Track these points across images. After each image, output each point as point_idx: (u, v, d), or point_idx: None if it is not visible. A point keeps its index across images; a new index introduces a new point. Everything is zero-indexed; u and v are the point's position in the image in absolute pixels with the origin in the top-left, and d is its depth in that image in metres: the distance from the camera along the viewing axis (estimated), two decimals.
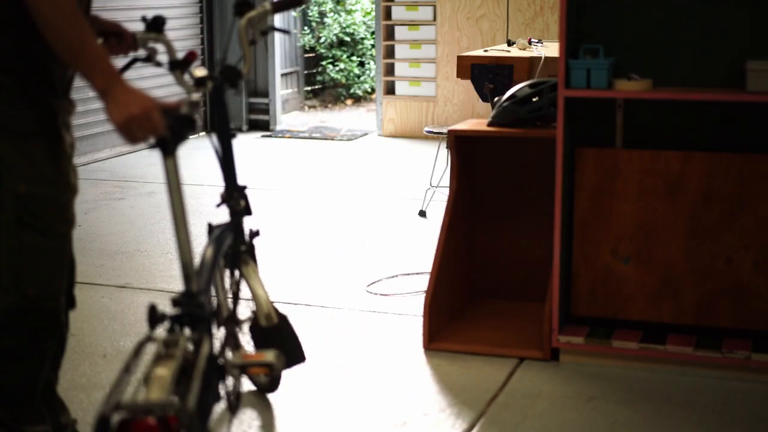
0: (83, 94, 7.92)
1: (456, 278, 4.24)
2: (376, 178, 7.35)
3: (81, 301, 4.52)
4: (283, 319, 3.19)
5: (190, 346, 2.41)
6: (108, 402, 2.11)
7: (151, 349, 2.32)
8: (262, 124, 9.75)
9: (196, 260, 2.61)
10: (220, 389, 2.75)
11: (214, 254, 2.84)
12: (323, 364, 3.81)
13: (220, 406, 2.94)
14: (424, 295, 4.02)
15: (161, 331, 2.39)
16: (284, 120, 10.32)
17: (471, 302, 4.41)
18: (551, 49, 5.48)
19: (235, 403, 2.87)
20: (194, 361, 2.36)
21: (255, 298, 3.11)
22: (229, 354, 2.91)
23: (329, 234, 5.73)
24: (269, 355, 2.80)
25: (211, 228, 3.04)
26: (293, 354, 3.20)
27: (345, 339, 4.08)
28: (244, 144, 8.97)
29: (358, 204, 6.48)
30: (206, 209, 6.27)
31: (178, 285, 4.75)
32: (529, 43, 5.76)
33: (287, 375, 3.70)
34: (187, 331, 2.44)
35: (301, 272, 4.97)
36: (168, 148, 2.42)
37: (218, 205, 3.14)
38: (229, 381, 2.83)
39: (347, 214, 6.21)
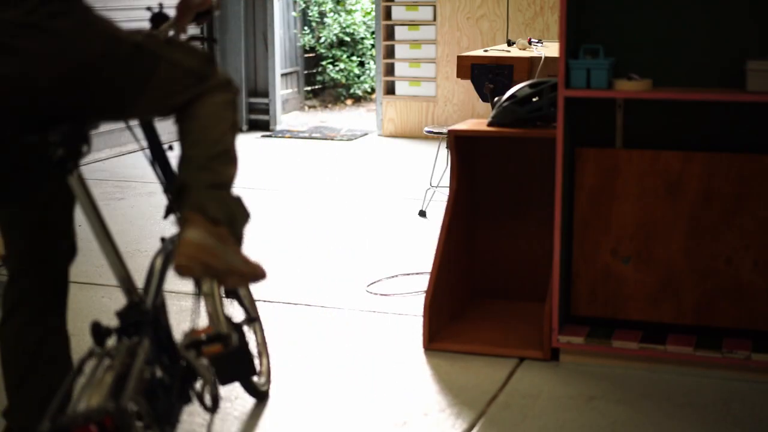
0: None
1: (456, 278, 4.24)
2: (376, 178, 7.35)
3: (81, 301, 4.54)
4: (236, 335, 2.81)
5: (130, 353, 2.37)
6: (47, 419, 2.14)
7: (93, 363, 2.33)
8: (262, 124, 9.75)
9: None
10: (188, 391, 2.66)
11: (162, 264, 2.80)
12: (323, 364, 3.81)
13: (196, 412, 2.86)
14: (424, 295, 4.02)
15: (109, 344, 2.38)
16: (284, 120, 10.32)
17: (471, 302, 4.41)
18: (551, 49, 5.48)
19: (212, 402, 2.66)
20: (131, 363, 2.34)
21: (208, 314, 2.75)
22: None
23: (329, 234, 5.73)
24: (220, 326, 2.62)
25: (163, 240, 2.91)
26: (245, 366, 2.94)
27: (345, 339, 4.09)
28: (244, 144, 8.97)
29: (358, 204, 6.48)
30: None
31: (178, 285, 4.75)
32: (529, 43, 5.76)
33: (287, 375, 3.71)
34: (126, 340, 2.42)
35: (301, 272, 4.97)
36: None
37: (165, 217, 2.81)
38: (198, 381, 2.70)
39: (347, 214, 6.21)
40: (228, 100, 2.68)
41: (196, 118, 2.64)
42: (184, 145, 2.65)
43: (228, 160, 2.62)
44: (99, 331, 2.37)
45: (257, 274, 2.56)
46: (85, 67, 2.33)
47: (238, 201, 2.62)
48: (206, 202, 2.49)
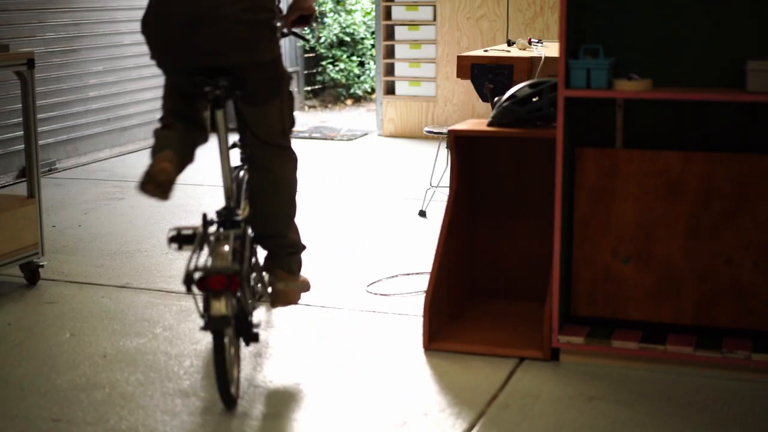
0: (83, 95, 7.94)
1: (456, 278, 4.24)
2: (376, 178, 7.35)
3: (81, 301, 4.54)
4: None
5: (234, 239, 3.40)
6: (189, 266, 3.22)
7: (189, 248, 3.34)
8: None
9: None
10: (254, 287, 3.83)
11: (240, 182, 3.91)
12: (323, 364, 3.81)
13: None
14: (424, 295, 4.02)
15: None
16: None
17: (471, 302, 4.41)
18: (551, 49, 5.48)
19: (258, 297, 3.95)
20: (242, 244, 3.47)
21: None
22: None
23: (329, 234, 5.73)
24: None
25: (239, 167, 4.00)
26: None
27: (345, 339, 4.09)
28: None
29: (358, 204, 6.48)
30: (206, 209, 6.25)
31: (178, 285, 4.76)
32: (529, 43, 5.75)
33: (287, 375, 3.71)
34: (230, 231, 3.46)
35: (301, 272, 4.96)
36: None
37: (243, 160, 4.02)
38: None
39: (347, 214, 6.21)
40: (296, 167, 3.90)
41: (275, 174, 3.83)
42: (266, 195, 3.84)
43: (295, 227, 3.97)
44: (206, 221, 3.46)
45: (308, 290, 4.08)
46: (258, 63, 3.61)
47: (300, 254, 4.00)
48: (289, 263, 3.93)
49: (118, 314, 4.36)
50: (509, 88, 4.24)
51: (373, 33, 11.85)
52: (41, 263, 4.78)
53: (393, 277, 4.90)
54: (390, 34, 9.21)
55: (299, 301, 4.02)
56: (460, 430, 3.29)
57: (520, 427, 3.31)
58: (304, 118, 10.90)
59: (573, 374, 3.71)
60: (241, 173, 3.95)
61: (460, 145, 4.14)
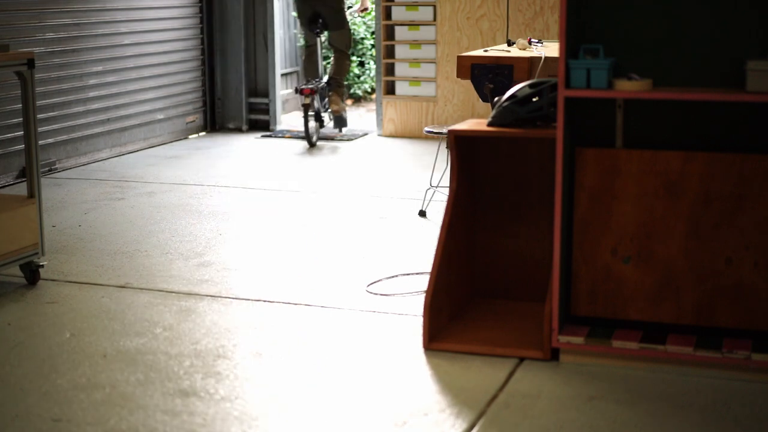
0: (83, 95, 7.94)
1: (456, 278, 4.24)
2: (376, 178, 7.35)
3: (81, 301, 4.54)
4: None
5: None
6: (299, 84, 8.18)
7: None
8: (262, 124, 9.75)
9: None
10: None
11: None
12: (323, 364, 3.81)
13: None
14: (424, 295, 4.02)
15: None
16: (284, 120, 10.32)
17: (471, 302, 4.41)
18: (551, 49, 5.48)
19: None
20: (320, 86, 8.78)
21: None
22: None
23: (329, 234, 5.73)
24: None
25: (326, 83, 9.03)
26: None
27: (345, 339, 4.09)
28: (244, 144, 8.97)
29: (358, 204, 6.49)
30: (206, 209, 6.27)
31: (178, 285, 4.76)
32: (529, 43, 5.75)
33: (287, 374, 3.71)
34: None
35: (301, 272, 4.97)
36: None
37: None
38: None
39: (347, 214, 6.21)
40: (349, 63, 9.09)
41: (339, 61, 8.96)
42: (334, 66, 8.98)
43: (341, 80, 9.00)
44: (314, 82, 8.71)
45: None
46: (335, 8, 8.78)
47: (342, 89, 9.03)
48: (338, 90, 8.92)
49: (118, 314, 4.36)
50: (509, 88, 4.24)
51: (373, 33, 11.85)
52: (41, 263, 4.78)
53: (393, 277, 4.90)
54: (390, 34, 9.21)
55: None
56: (460, 430, 3.29)
57: (520, 427, 3.31)
58: None
59: (573, 374, 3.71)
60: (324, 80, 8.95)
61: (460, 145, 4.14)
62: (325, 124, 8.92)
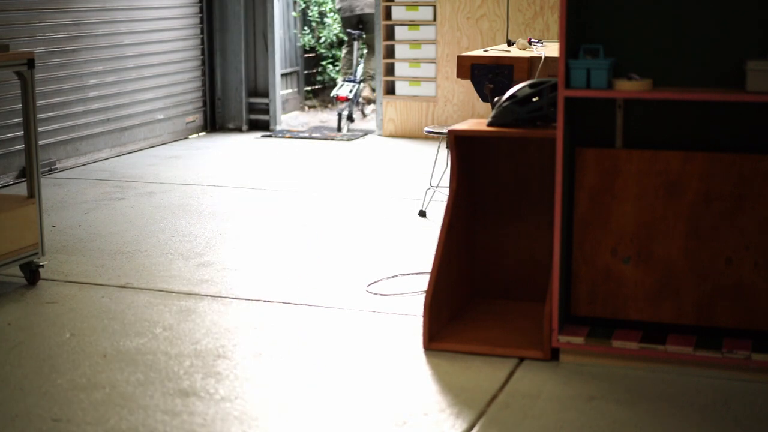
0: (83, 95, 7.94)
1: (456, 278, 4.24)
2: (376, 178, 7.35)
3: (81, 301, 4.54)
4: None
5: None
6: (336, 90, 9.98)
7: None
8: (262, 124, 9.75)
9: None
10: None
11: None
12: (323, 364, 3.81)
13: None
14: (424, 295, 4.02)
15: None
16: (284, 120, 10.33)
17: (471, 302, 4.41)
18: (551, 49, 5.48)
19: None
20: (357, 87, 10.18)
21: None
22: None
23: (329, 234, 5.73)
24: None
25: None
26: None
27: (345, 339, 4.09)
28: (244, 144, 8.97)
29: (358, 204, 6.48)
30: (206, 209, 6.27)
31: (178, 285, 4.76)
32: (529, 43, 5.75)
33: (287, 374, 3.71)
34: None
35: (301, 272, 4.97)
36: None
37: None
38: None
39: (347, 214, 6.21)
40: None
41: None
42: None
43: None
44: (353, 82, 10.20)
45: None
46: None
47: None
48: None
49: (118, 314, 4.36)
50: (509, 88, 4.24)
51: None
52: (41, 263, 4.78)
53: (393, 277, 4.90)
54: (390, 34, 9.21)
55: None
56: (460, 430, 3.29)
57: (520, 427, 3.31)
58: (304, 118, 10.90)
59: (573, 374, 3.71)
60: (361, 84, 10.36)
61: (460, 145, 4.14)
62: (354, 119, 10.22)
